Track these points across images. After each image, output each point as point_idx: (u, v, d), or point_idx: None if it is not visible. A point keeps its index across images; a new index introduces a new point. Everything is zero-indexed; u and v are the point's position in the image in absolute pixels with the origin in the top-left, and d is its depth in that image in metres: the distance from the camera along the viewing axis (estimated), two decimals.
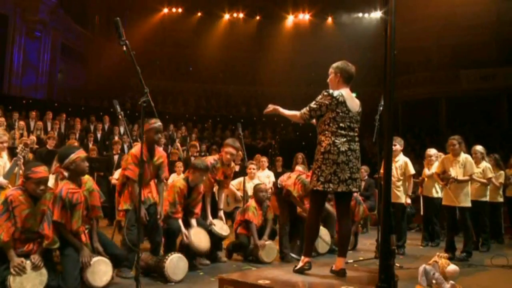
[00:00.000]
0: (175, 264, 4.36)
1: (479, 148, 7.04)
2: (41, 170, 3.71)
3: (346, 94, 3.81)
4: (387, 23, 2.98)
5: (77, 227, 3.89)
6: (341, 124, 3.73)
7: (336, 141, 3.70)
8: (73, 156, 3.94)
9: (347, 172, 3.69)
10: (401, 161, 6.36)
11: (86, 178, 4.11)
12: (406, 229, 6.83)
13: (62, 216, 3.81)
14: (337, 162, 3.68)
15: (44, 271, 3.69)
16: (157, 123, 4.61)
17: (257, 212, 5.67)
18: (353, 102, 3.83)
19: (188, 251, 4.82)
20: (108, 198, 6.92)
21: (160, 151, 4.83)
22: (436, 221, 7.36)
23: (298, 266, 3.81)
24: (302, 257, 3.87)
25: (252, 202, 5.79)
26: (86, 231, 4.03)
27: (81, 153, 4.00)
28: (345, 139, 3.72)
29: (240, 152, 5.76)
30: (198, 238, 4.89)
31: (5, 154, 5.19)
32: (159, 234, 4.71)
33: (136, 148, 4.59)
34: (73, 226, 3.88)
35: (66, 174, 4.06)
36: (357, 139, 3.82)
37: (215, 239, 5.29)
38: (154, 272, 4.48)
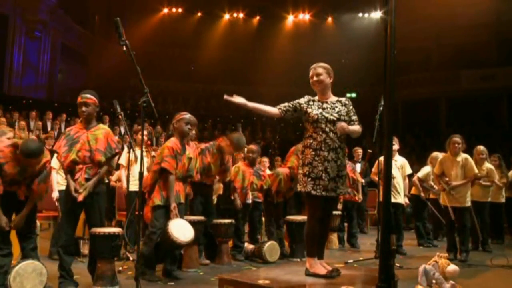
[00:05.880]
0: (181, 224, 4.33)
1: (483, 148, 6.95)
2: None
3: None
4: (387, 23, 2.97)
5: (66, 161, 3.95)
6: None
7: None
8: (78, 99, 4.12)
9: None
10: (400, 161, 6.34)
11: (102, 127, 4.16)
12: (402, 229, 6.86)
13: (60, 147, 4.01)
14: None
15: (44, 271, 3.70)
16: (187, 114, 4.80)
17: (243, 175, 5.83)
18: None
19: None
20: (108, 199, 6.90)
21: (191, 146, 4.93)
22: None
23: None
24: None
25: (241, 165, 5.96)
26: (84, 170, 3.96)
27: (79, 98, 4.07)
28: None
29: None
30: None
31: None
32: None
33: (171, 141, 4.66)
34: (62, 157, 3.98)
35: None
36: None
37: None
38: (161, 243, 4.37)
